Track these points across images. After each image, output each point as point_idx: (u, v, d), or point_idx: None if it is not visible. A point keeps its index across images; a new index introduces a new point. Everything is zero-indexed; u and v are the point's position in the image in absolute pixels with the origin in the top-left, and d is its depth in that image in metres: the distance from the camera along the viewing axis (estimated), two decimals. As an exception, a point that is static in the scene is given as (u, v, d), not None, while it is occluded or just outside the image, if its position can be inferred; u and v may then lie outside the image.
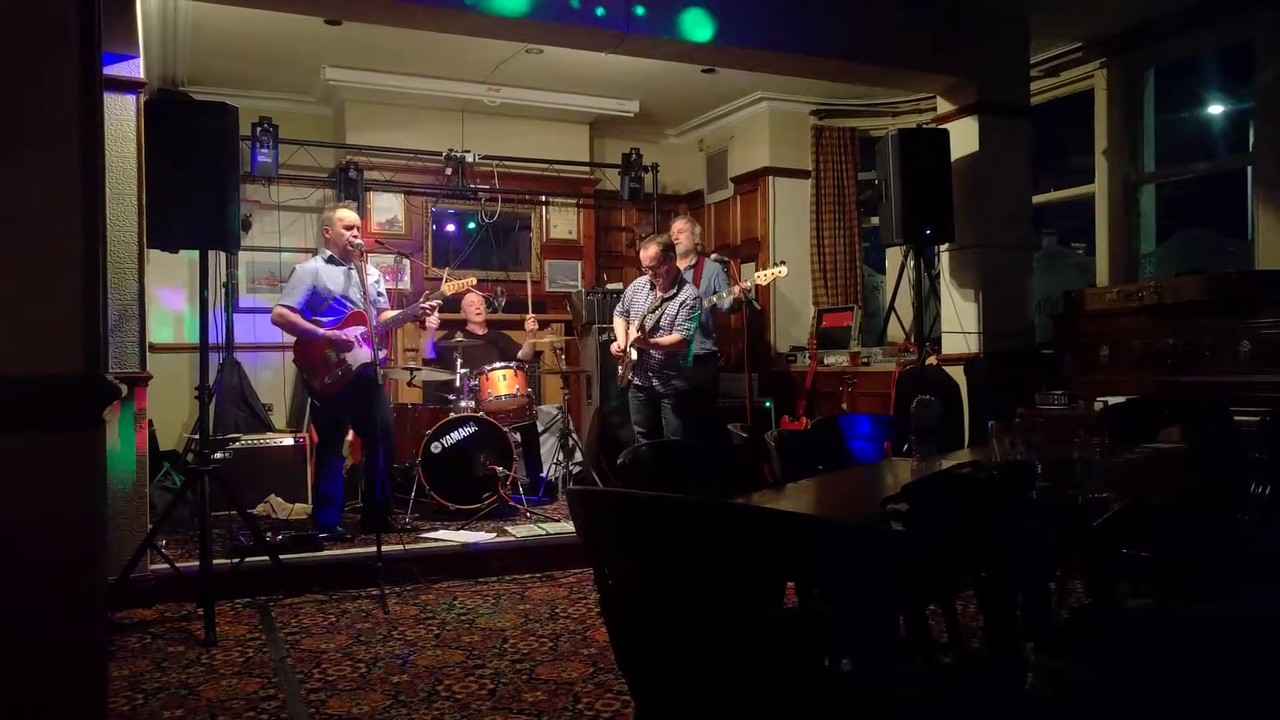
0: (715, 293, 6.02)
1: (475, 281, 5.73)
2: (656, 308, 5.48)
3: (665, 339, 5.38)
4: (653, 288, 5.57)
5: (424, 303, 5.14)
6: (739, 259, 7.37)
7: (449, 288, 5.25)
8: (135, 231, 4.12)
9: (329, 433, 5.06)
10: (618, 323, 5.75)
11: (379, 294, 5.15)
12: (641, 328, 5.39)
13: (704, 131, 8.19)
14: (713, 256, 6.62)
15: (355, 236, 4.88)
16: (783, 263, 5.98)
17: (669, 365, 5.46)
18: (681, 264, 5.99)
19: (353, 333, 4.91)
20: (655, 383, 5.48)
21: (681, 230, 6.18)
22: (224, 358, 6.52)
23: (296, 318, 4.86)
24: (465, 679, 3.17)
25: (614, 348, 5.70)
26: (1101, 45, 5.96)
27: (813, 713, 1.74)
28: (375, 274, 5.17)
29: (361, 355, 4.88)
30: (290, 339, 5.08)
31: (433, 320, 5.46)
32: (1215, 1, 5.28)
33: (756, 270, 6.30)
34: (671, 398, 5.45)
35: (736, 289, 5.95)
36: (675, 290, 5.49)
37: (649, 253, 5.45)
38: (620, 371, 5.66)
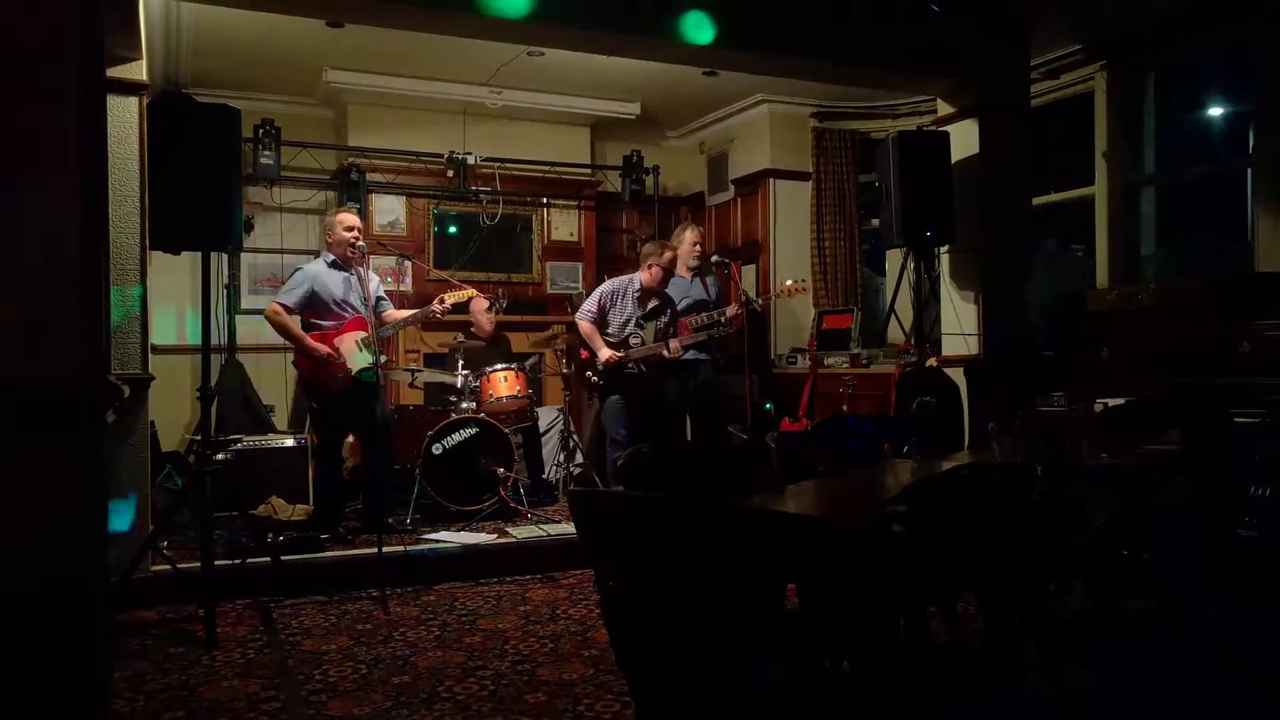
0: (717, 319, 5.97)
1: (475, 292, 5.74)
2: (657, 310, 5.59)
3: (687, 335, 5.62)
4: (641, 297, 5.69)
5: (435, 306, 5.16)
6: (740, 261, 7.37)
7: (451, 297, 5.26)
8: (137, 233, 4.13)
9: (328, 435, 5.07)
10: (593, 329, 5.66)
11: (380, 298, 5.17)
12: (692, 327, 5.62)
13: (705, 134, 8.20)
14: (714, 258, 6.61)
15: (356, 238, 4.90)
16: (804, 280, 6.04)
17: (692, 364, 5.64)
18: (685, 274, 6.05)
19: (349, 339, 4.93)
20: (670, 383, 5.57)
21: (696, 243, 6.13)
22: (226, 359, 6.53)
23: (288, 319, 4.89)
24: (466, 680, 3.18)
25: (608, 356, 5.61)
26: (1102, 48, 5.96)
27: (813, 714, 1.75)
28: (375, 280, 5.19)
29: (361, 359, 4.91)
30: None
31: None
32: (1216, 5, 5.28)
33: (777, 284, 6.35)
34: (689, 397, 5.65)
35: (730, 309, 5.88)
36: (660, 296, 5.74)
37: (675, 254, 5.70)
38: (593, 377, 5.65)
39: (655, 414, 5.65)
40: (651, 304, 5.71)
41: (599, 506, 1.69)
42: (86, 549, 1.94)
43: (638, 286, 5.70)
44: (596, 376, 5.67)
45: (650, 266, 5.67)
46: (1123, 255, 6.01)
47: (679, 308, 5.93)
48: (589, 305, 5.76)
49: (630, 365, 5.59)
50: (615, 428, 5.62)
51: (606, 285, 5.81)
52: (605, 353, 5.62)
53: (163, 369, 4.78)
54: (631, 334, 5.60)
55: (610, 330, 5.68)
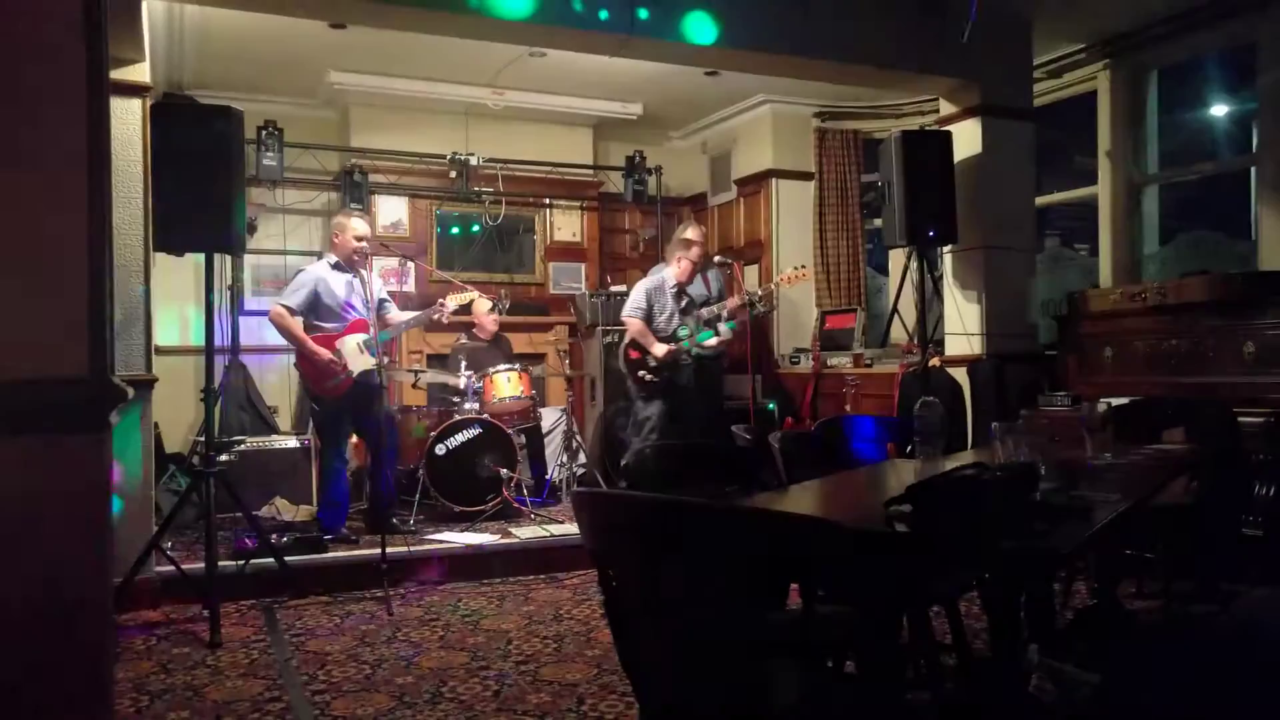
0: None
1: (477, 294, 5.74)
2: (691, 305, 5.82)
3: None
4: (676, 292, 5.77)
5: (436, 310, 5.17)
6: (742, 261, 7.37)
7: (454, 300, 5.27)
8: (141, 235, 4.14)
9: (331, 437, 5.09)
10: (644, 327, 5.71)
11: (383, 299, 5.19)
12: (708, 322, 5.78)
13: (707, 134, 8.20)
14: (717, 258, 6.61)
15: (363, 246, 4.94)
16: (804, 267, 6.05)
17: (695, 361, 5.78)
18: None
19: (351, 340, 4.94)
20: (677, 380, 5.74)
21: (696, 243, 6.03)
22: (229, 360, 6.54)
23: (291, 321, 4.90)
24: (469, 680, 3.18)
25: (665, 351, 5.64)
26: (1105, 46, 5.95)
27: (817, 714, 1.75)
28: (378, 282, 5.21)
29: (363, 361, 4.92)
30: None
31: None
32: (1218, 3, 5.27)
33: (777, 274, 6.35)
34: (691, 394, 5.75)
35: (732, 302, 5.83)
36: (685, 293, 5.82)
37: (703, 248, 5.83)
38: (646, 375, 5.69)
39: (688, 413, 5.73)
40: (685, 300, 5.80)
41: (602, 506, 1.69)
42: (90, 549, 1.94)
43: (672, 282, 5.74)
44: (651, 374, 5.66)
45: (679, 260, 5.70)
46: (1126, 254, 6.00)
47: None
48: (637, 303, 5.73)
49: (685, 357, 5.68)
50: (646, 433, 5.64)
51: (648, 282, 5.82)
52: (661, 348, 5.63)
53: (166, 370, 4.79)
54: (679, 326, 5.67)
55: (657, 325, 5.71)
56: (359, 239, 4.95)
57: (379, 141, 7.02)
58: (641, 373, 5.70)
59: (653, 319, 5.70)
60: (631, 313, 5.74)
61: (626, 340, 5.83)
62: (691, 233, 6.13)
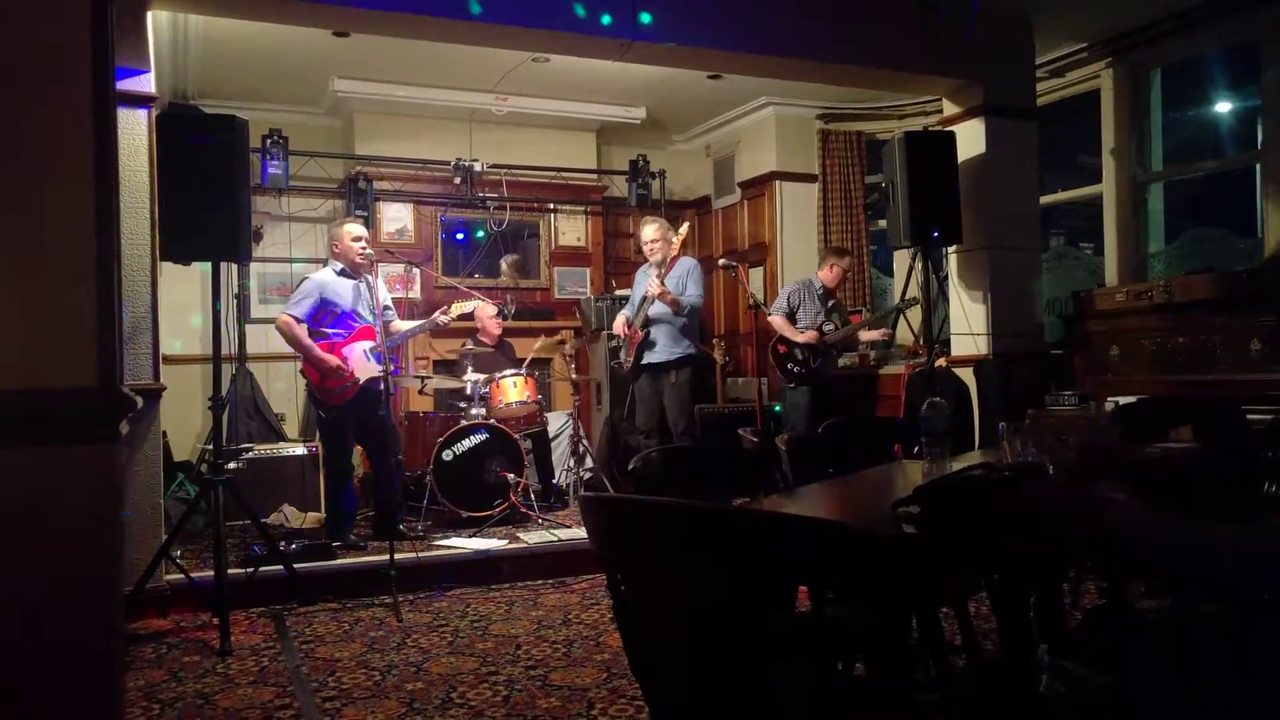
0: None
1: (481, 301, 5.75)
2: (838, 305, 6.29)
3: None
4: (823, 294, 6.19)
5: (439, 316, 5.18)
6: (747, 264, 7.37)
7: (457, 308, 5.29)
8: (148, 244, 4.15)
9: (337, 443, 5.08)
10: (785, 321, 6.13)
11: (386, 306, 5.19)
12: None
13: (711, 137, 8.21)
14: (721, 261, 6.60)
15: (364, 248, 4.93)
16: (687, 224, 6.28)
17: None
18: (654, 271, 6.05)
19: (358, 348, 4.94)
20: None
21: (655, 241, 5.83)
22: (236, 368, 6.56)
23: (299, 330, 4.89)
24: (479, 686, 3.18)
25: (808, 337, 6.02)
26: (1107, 45, 5.95)
27: (827, 717, 1.75)
28: (383, 288, 5.22)
29: (370, 368, 4.92)
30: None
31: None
32: (1220, 1, 5.27)
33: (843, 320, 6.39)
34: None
35: (652, 286, 5.70)
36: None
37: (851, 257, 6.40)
38: (794, 368, 6.14)
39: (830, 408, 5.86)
40: (831, 301, 6.17)
41: (610, 510, 1.69)
42: (100, 558, 1.95)
43: (819, 286, 6.13)
44: (798, 366, 6.01)
45: (831, 267, 6.15)
46: (1131, 253, 5.99)
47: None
48: (781, 304, 6.17)
49: (833, 348, 6.10)
50: (799, 419, 5.90)
51: (791, 287, 6.23)
52: (804, 336, 6.01)
53: (174, 379, 4.81)
54: (824, 323, 6.04)
55: (801, 325, 6.07)
56: (356, 239, 4.95)
57: (383, 148, 7.04)
58: (790, 365, 6.03)
59: (796, 320, 6.06)
60: (776, 311, 6.12)
61: (775, 338, 6.10)
62: (650, 229, 5.99)
